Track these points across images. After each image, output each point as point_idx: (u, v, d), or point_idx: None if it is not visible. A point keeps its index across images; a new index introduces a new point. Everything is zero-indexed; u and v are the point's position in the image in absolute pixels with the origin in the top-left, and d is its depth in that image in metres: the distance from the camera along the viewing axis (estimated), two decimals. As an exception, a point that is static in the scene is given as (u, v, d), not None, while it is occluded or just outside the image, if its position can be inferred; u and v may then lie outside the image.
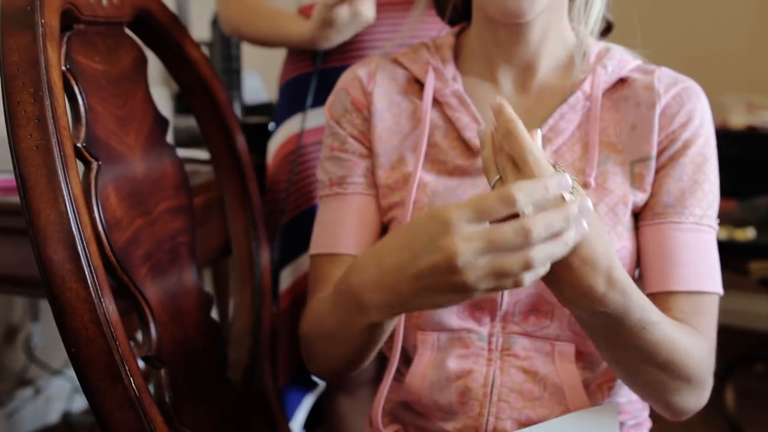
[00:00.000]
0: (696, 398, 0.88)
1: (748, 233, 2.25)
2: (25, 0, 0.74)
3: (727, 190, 2.57)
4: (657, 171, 0.92)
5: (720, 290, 0.91)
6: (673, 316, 0.87)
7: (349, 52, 1.28)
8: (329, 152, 1.02)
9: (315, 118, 1.31)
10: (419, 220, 0.70)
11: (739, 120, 2.56)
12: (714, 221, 0.92)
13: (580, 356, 0.93)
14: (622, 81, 0.95)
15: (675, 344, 0.81)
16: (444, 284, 0.67)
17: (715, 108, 3.11)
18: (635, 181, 0.92)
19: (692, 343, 0.84)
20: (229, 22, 1.38)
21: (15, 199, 1.17)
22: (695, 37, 2.88)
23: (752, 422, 2.32)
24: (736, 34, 2.84)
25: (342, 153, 1.00)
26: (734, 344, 2.59)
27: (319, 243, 1.01)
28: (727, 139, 2.60)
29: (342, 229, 0.99)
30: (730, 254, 2.25)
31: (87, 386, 0.71)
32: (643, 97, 0.93)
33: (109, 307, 0.70)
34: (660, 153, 0.92)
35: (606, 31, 1.07)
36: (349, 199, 0.99)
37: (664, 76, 0.95)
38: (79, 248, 0.68)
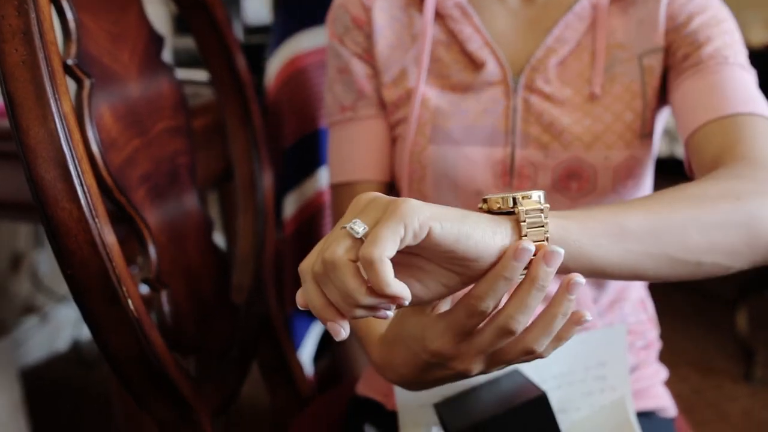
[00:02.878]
0: None
1: None
2: None
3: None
4: (668, 50, 0.89)
5: None
6: (728, 142, 0.76)
7: None
8: (336, 74, 0.99)
9: (314, 37, 1.27)
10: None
11: (758, 36, 2.49)
12: (748, 64, 0.87)
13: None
14: None
15: (698, 196, 0.65)
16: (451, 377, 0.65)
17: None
18: (645, 74, 0.89)
19: (715, 180, 0.68)
20: None
21: (4, 122, 1.15)
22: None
23: (764, 345, 2.33)
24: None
25: (349, 75, 0.97)
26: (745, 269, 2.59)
27: (337, 171, 0.99)
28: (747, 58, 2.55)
29: (359, 155, 0.97)
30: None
31: (84, 309, 0.70)
32: None
33: (104, 227, 0.68)
34: (667, 33, 0.89)
35: None
36: (363, 124, 0.97)
37: None
38: (71, 167, 0.66)
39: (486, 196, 0.58)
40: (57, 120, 0.65)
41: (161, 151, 0.91)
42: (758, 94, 0.83)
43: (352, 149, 0.97)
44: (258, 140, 1.12)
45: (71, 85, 0.73)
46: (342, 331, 0.54)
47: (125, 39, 0.89)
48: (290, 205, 1.31)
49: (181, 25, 1.70)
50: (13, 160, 1.28)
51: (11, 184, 1.31)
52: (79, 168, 0.66)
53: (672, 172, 1.72)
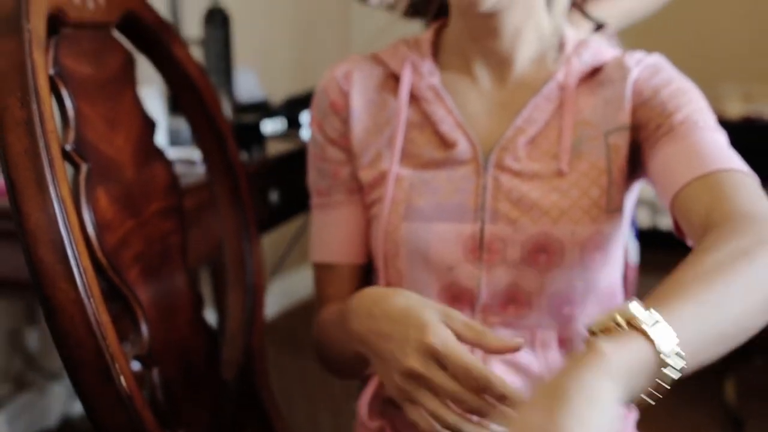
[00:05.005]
0: None
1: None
2: (10, 5, 0.74)
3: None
4: (637, 126, 0.93)
5: (750, 172, 0.85)
6: (713, 200, 0.80)
7: None
8: (312, 160, 1.05)
9: None
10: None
11: (735, 110, 2.57)
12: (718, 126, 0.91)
13: (563, 342, 0.94)
14: (598, 70, 0.97)
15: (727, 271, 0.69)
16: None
17: (712, 98, 3.10)
18: (611, 152, 0.93)
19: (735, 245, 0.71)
20: None
21: (3, 202, 1.18)
22: (692, 27, 2.88)
23: (754, 416, 2.33)
24: (733, 24, 2.85)
25: (323, 163, 1.03)
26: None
27: (316, 251, 1.06)
28: (724, 130, 2.62)
29: (334, 240, 1.04)
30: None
31: (79, 388, 0.72)
32: (615, 74, 0.95)
33: (99, 307, 0.71)
34: (635, 111, 0.93)
35: (597, 29, 1.08)
36: (336, 209, 1.03)
37: (633, 54, 0.97)
38: (68, 249, 0.69)
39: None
40: (56, 205, 0.69)
41: (154, 231, 0.94)
42: (732, 152, 0.87)
43: (329, 233, 1.02)
44: (248, 218, 1.15)
45: (69, 169, 0.77)
46: None
47: (120, 124, 0.93)
48: None
49: (174, 105, 1.75)
50: (6, 238, 1.31)
51: (5, 261, 1.34)
52: (76, 250, 0.69)
53: (654, 244, 1.76)
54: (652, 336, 0.60)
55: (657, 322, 0.61)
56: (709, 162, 0.84)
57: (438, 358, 0.72)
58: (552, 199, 0.92)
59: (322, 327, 1.02)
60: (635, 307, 0.62)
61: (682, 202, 0.84)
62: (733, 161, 0.85)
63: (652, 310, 0.62)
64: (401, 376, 0.75)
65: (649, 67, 0.95)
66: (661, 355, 0.60)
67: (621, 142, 0.93)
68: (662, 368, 0.61)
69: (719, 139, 0.88)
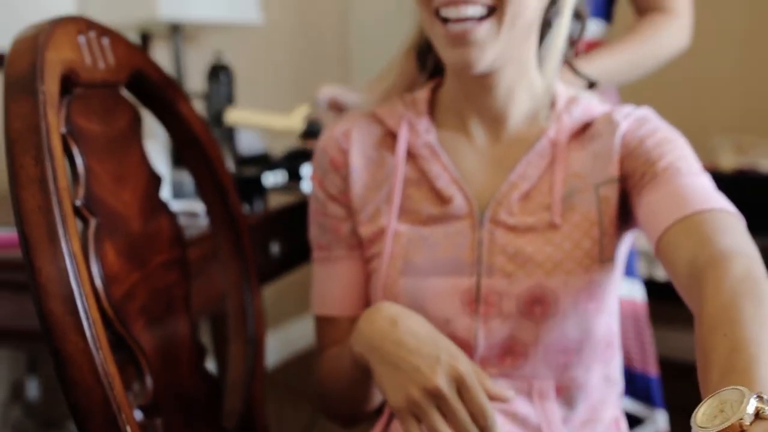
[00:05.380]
0: None
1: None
2: (27, 68, 0.78)
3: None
4: (626, 176, 0.96)
5: (735, 212, 0.86)
6: (695, 243, 0.81)
7: None
8: (313, 216, 1.08)
9: None
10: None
11: (728, 161, 2.60)
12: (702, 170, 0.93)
13: (561, 391, 0.96)
14: (588, 125, 1.00)
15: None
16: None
17: (705, 150, 3.16)
18: (601, 203, 0.96)
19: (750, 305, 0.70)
20: None
21: (10, 254, 1.21)
22: (686, 80, 2.94)
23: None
24: (725, 76, 2.90)
25: (324, 218, 1.06)
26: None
27: (318, 303, 1.09)
28: (717, 181, 2.64)
29: (335, 293, 1.06)
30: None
31: (85, 435, 0.74)
32: (604, 129, 0.99)
33: (106, 358, 0.73)
34: (622, 162, 0.97)
35: (590, 87, 1.12)
36: (336, 264, 1.06)
37: (622, 109, 1.01)
38: (78, 303, 0.71)
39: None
40: (67, 259, 0.71)
41: (159, 283, 0.96)
42: (717, 194, 0.89)
43: (329, 287, 1.05)
44: (249, 270, 1.18)
45: (78, 223, 0.80)
46: None
47: (127, 179, 0.96)
48: None
49: (177, 158, 1.79)
50: (13, 290, 1.33)
51: (11, 312, 1.36)
52: (85, 303, 0.72)
53: (650, 295, 1.78)
54: None
55: None
56: (690, 204, 0.86)
57: (461, 387, 0.79)
58: (546, 252, 0.94)
59: (324, 364, 1.05)
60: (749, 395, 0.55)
61: (665, 247, 0.86)
62: (715, 201, 0.86)
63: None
64: (422, 391, 0.80)
65: (636, 120, 0.99)
66: None
67: (611, 193, 0.96)
68: None
69: (702, 182, 0.90)
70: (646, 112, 1.01)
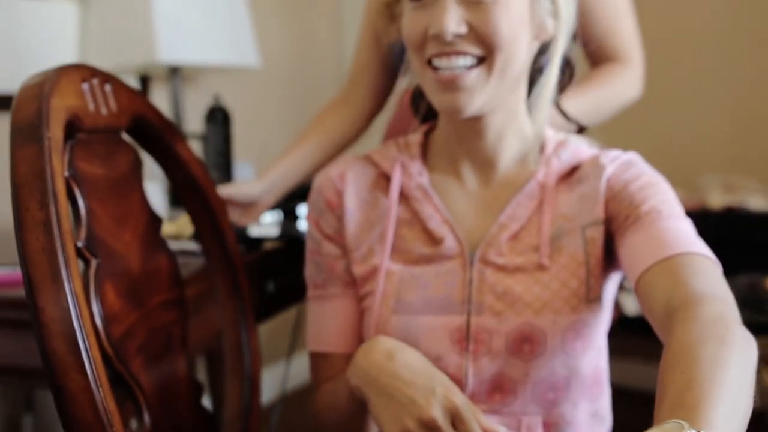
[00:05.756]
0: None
1: (731, 311, 2.29)
2: (33, 115, 0.81)
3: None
4: (610, 219, 0.99)
5: (714, 259, 0.90)
6: (671, 285, 0.85)
7: None
8: (309, 255, 1.10)
9: None
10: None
11: (717, 200, 2.64)
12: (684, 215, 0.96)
13: (549, 427, 0.98)
14: (576, 168, 1.04)
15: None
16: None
17: (694, 189, 3.19)
18: (588, 244, 0.99)
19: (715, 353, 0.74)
20: None
21: (10, 292, 1.23)
22: (674, 121, 2.99)
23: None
24: (713, 117, 2.95)
25: (320, 257, 1.08)
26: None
27: (313, 341, 1.11)
28: (706, 220, 2.67)
29: (330, 330, 1.09)
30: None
31: (85, 471, 0.76)
32: (591, 172, 1.02)
33: (106, 396, 0.76)
34: (607, 205, 0.99)
35: (579, 132, 1.16)
36: (333, 301, 1.08)
37: (609, 153, 1.04)
38: (80, 342, 0.74)
39: None
40: (70, 300, 0.74)
41: (157, 322, 0.99)
42: (696, 239, 0.92)
43: (325, 324, 1.07)
44: (246, 309, 1.20)
45: (79, 263, 0.83)
46: None
47: (128, 221, 0.99)
48: None
49: (176, 198, 1.82)
50: (12, 328, 1.35)
51: (9, 350, 1.37)
52: (87, 342, 0.75)
53: (643, 331, 1.80)
54: None
55: None
56: (669, 247, 0.89)
57: (455, 419, 0.83)
58: (534, 292, 0.97)
59: (320, 399, 1.08)
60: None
61: (643, 287, 0.89)
62: (694, 246, 0.90)
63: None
64: (417, 422, 0.83)
65: (622, 164, 1.02)
66: None
67: (597, 235, 0.99)
68: None
69: (683, 226, 0.94)
70: (632, 157, 1.04)
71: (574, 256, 0.99)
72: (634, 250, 0.93)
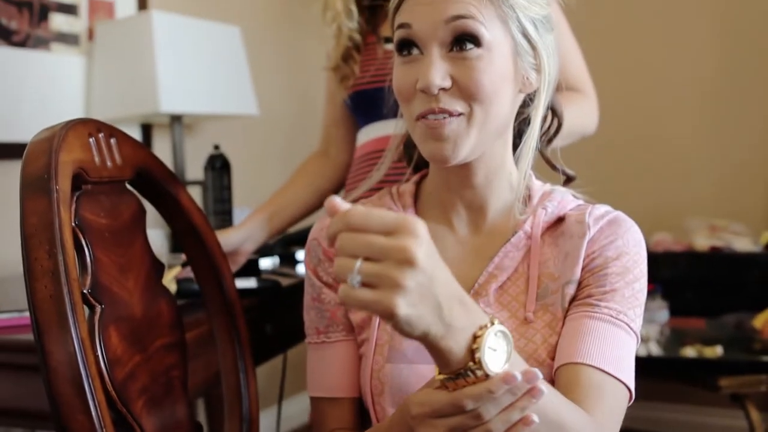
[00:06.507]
0: None
1: (717, 350, 2.34)
2: (42, 168, 0.86)
3: (695, 310, 2.63)
4: (580, 283, 1.02)
5: (629, 385, 0.95)
6: (571, 389, 0.91)
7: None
8: (310, 302, 1.13)
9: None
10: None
11: (703, 242, 2.69)
12: (636, 327, 1.00)
13: None
14: (561, 219, 1.07)
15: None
16: None
17: (681, 231, 3.23)
18: (565, 301, 1.02)
19: (573, 418, 0.85)
20: None
21: (11, 337, 1.26)
22: (662, 165, 3.05)
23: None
24: (699, 165, 3.01)
25: (320, 304, 1.11)
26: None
27: (314, 386, 1.12)
28: (693, 261, 2.69)
29: (332, 375, 1.10)
30: (701, 371, 2.34)
31: None
32: (575, 229, 1.04)
33: (110, 436, 0.79)
34: (583, 268, 1.02)
35: (567, 181, 1.19)
36: (334, 347, 1.10)
37: (595, 211, 1.06)
38: (86, 385, 0.78)
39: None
40: (76, 345, 0.78)
41: (158, 365, 1.02)
42: (629, 361, 0.97)
43: (326, 369, 1.10)
44: (244, 353, 1.24)
45: (84, 309, 0.87)
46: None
47: (131, 268, 1.03)
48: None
49: (176, 244, 1.86)
50: (13, 371, 1.38)
51: (11, 391, 1.40)
52: (92, 385, 0.78)
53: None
54: None
55: None
56: (593, 354, 0.94)
57: None
58: (519, 345, 1.00)
59: None
60: None
61: (558, 379, 0.95)
62: (620, 367, 0.95)
63: None
64: None
65: (608, 225, 1.04)
66: None
67: (572, 292, 1.02)
68: None
69: (625, 341, 0.98)
70: (617, 216, 1.06)
71: (555, 314, 1.02)
72: (568, 336, 0.98)
